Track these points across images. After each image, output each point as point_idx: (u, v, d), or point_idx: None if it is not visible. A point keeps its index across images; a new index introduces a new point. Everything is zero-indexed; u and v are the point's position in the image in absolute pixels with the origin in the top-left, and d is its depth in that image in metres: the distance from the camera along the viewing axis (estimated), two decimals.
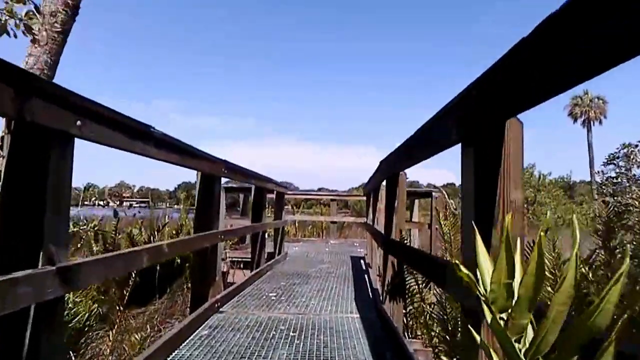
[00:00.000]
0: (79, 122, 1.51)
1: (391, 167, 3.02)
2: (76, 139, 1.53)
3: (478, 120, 1.30)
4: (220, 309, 3.18)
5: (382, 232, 3.66)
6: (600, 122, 32.65)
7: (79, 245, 9.19)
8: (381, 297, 3.28)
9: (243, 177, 3.91)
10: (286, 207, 8.83)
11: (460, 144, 1.44)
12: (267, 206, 9.68)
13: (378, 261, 5.19)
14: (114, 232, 8.59)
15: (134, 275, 7.02)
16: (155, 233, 7.04)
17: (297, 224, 11.87)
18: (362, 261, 6.48)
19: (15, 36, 3.48)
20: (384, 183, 4.60)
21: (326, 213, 18.13)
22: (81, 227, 7.04)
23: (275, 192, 6.05)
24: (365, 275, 5.02)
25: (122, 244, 8.60)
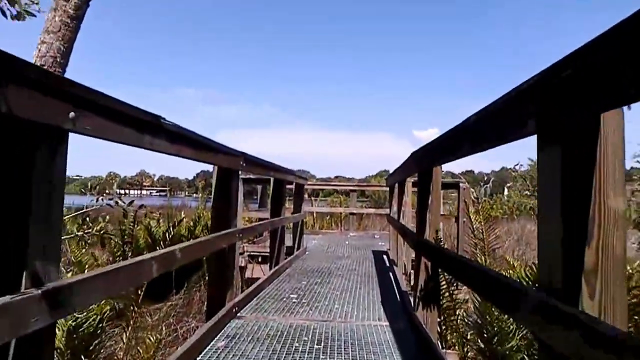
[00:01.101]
0: (72, 114, 1.26)
1: (426, 161, 2.72)
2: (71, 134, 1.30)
3: (570, 110, 1.00)
4: (239, 314, 2.96)
5: (413, 229, 3.38)
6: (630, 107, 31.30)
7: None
8: (412, 303, 3.01)
9: (263, 170, 3.67)
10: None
11: (536, 138, 1.15)
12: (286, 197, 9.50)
13: (404, 258, 4.92)
14: (132, 225, 8.50)
15: None
16: (171, 229, 6.89)
17: (315, 215, 11.64)
18: (384, 256, 6.21)
19: (16, 18, 3.26)
20: (410, 177, 4.35)
21: (344, 203, 17.88)
22: (85, 231, 6.92)
23: (294, 183, 5.81)
24: (391, 274, 4.75)
25: (140, 238, 8.52)
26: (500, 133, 1.38)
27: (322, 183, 12.18)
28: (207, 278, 4.21)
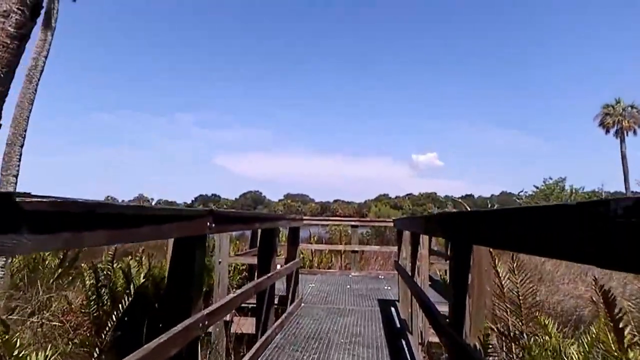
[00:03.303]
0: None
1: (466, 237, 1.93)
2: None
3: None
4: None
5: (441, 311, 2.55)
6: (635, 133, 30.79)
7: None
8: None
9: (243, 225, 2.87)
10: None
11: None
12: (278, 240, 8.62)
13: (420, 324, 4.07)
14: (110, 264, 7.67)
15: (114, 318, 5.98)
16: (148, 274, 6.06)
17: (313, 250, 10.75)
18: (393, 310, 5.34)
19: None
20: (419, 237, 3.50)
21: (344, 232, 16.99)
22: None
23: (288, 228, 4.99)
24: (404, 342, 3.89)
25: (118, 281, 7.64)
26: None
27: (321, 218, 11.32)
28: None
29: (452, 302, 2.12)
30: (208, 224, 2.18)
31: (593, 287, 2.87)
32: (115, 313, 7.48)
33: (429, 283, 4.22)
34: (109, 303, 7.34)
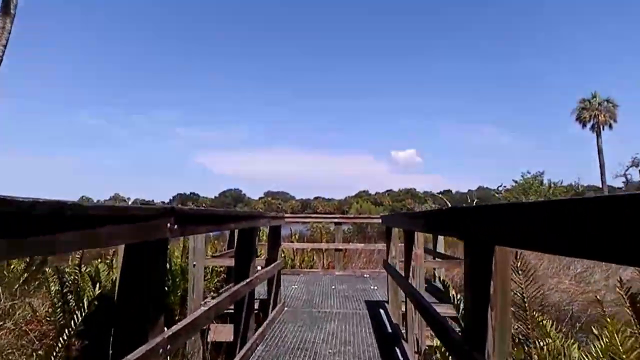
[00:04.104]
0: None
1: (488, 237, 1.57)
2: None
3: None
4: None
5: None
6: (610, 127, 31.42)
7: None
8: None
9: (214, 226, 2.44)
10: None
11: None
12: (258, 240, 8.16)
13: (417, 331, 3.72)
14: (77, 269, 7.14)
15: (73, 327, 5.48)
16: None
17: (295, 249, 10.34)
18: (382, 312, 4.99)
19: None
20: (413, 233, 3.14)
21: (325, 229, 16.60)
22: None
23: (268, 227, 4.59)
24: (398, 351, 3.54)
25: (85, 287, 7.09)
26: None
27: (304, 216, 10.92)
28: None
29: (469, 315, 1.77)
30: (169, 225, 1.76)
31: (618, 289, 2.56)
32: (77, 321, 6.92)
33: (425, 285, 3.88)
34: (75, 310, 6.80)
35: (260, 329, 3.88)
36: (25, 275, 8.08)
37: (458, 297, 3.76)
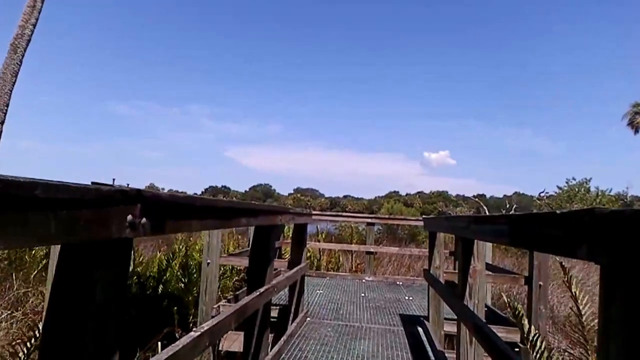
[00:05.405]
0: None
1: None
2: None
3: None
4: None
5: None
6: None
7: None
8: None
9: (212, 221, 1.80)
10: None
11: None
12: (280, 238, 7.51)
13: None
14: None
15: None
16: None
17: (320, 248, 9.69)
18: (421, 331, 4.27)
19: None
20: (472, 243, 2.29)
21: (355, 229, 15.82)
22: None
23: (293, 225, 3.96)
24: None
25: None
26: None
27: (333, 214, 10.26)
28: None
29: None
30: (130, 218, 1.12)
31: None
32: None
33: (486, 309, 3.13)
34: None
35: (277, 348, 3.25)
36: (45, 261, 7.77)
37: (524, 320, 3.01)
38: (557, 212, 1.30)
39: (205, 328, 1.75)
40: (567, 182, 24.53)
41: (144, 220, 1.18)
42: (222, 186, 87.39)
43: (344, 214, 11.97)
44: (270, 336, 4.10)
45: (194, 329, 1.69)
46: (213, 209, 1.73)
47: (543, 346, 2.54)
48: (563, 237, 1.25)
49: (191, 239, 9.29)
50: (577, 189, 23.66)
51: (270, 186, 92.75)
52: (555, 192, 24.70)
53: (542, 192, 25.79)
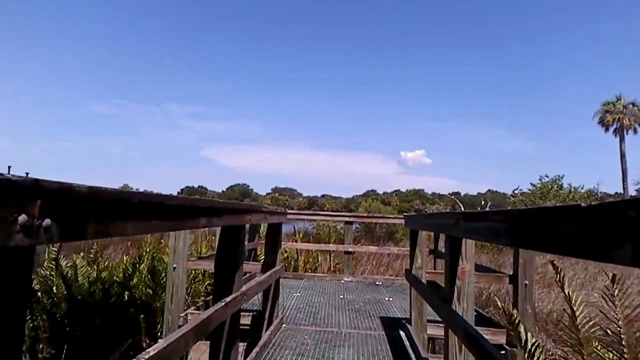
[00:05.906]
0: None
1: None
2: None
3: None
4: None
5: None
6: (635, 131, 29.86)
7: None
8: None
9: (159, 222, 1.48)
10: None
11: None
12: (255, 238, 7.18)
13: None
14: (54, 264, 6.35)
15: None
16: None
17: (298, 249, 9.40)
18: (403, 335, 4.03)
19: None
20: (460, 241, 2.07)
21: (332, 228, 15.56)
22: None
23: (267, 224, 3.65)
24: None
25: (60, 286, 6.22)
26: None
27: (311, 213, 9.98)
28: None
29: None
30: (23, 219, 0.81)
31: None
32: (46, 327, 6.03)
33: (475, 313, 2.90)
34: (43, 315, 5.94)
35: (251, 356, 2.94)
36: None
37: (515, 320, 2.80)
38: (582, 204, 1.05)
39: (152, 353, 1.44)
40: (540, 180, 24.92)
41: (47, 222, 0.86)
42: (199, 186, 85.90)
43: (322, 212, 11.70)
44: (242, 346, 3.80)
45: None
46: (159, 207, 1.41)
47: (539, 354, 2.32)
48: (591, 237, 1.00)
49: (162, 240, 8.85)
50: (550, 186, 24.05)
51: (248, 186, 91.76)
52: (529, 189, 25.05)
53: (516, 189, 26.14)
